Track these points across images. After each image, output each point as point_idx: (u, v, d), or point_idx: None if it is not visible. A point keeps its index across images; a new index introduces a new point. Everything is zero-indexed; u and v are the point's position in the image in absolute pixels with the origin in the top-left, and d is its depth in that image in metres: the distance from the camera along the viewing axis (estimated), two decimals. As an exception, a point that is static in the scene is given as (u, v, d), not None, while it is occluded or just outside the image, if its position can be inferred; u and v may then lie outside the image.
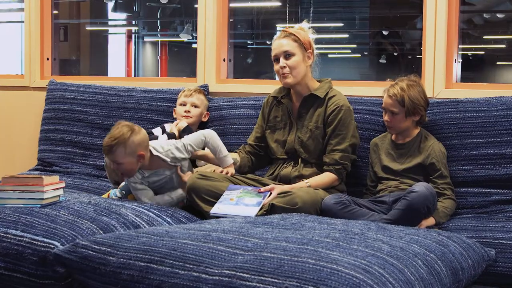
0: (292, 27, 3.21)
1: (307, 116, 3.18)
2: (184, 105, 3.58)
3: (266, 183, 3.10)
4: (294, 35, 3.14)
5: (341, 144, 3.10)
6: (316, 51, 3.21)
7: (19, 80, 4.48)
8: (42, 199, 2.73)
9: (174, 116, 3.63)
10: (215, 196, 2.96)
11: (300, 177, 3.12)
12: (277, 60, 3.16)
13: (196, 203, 3.00)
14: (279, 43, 3.16)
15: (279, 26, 12.23)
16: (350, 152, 3.12)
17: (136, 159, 3.01)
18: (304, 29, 3.21)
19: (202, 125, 3.63)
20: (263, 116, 3.32)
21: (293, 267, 1.93)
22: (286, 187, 2.98)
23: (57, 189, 2.84)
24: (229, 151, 3.44)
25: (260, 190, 2.97)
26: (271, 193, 2.94)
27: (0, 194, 2.76)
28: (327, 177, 3.09)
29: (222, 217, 2.81)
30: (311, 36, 3.21)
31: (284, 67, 3.12)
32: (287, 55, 3.13)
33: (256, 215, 2.81)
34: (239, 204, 2.89)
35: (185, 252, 2.11)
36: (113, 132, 3.00)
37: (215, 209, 2.90)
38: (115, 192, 3.21)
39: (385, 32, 12.08)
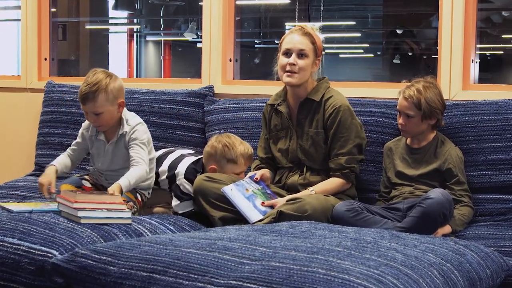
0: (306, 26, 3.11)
1: (306, 122, 3.09)
2: None
3: (275, 190, 3.06)
4: (313, 37, 3.05)
5: (345, 147, 3.02)
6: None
7: (15, 81, 4.43)
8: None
9: None
10: (224, 200, 2.91)
11: (308, 185, 3.05)
12: (287, 54, 3.04)
13: (203, 207, 2.95)
14: (295, 38, 3.04)
15: (288, 25, 12.23)
16: (355, 153, 3.04)
17: (116, 108, 2.88)
18: (317, 30, 3.11)
19: None
20: (265, 126, 3.24)
21: (303, 277, 1.90)
22: (290, 197, 2.92)
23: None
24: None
25: (265, 203, 2.94)
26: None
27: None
28: (334, 182, 3.03)
29: (228, 199, 2.86)
30: (320, 36, 3.11)
31: (294, 64, 3.01)
32: (302, 54, 3.03)
33: (254, 223, 2.80)
34: (250, 200, 2.89)
35: (190, 262, 2.08)
36: (90, 79, 2.84)
37: (228, 189, 2.90)
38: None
39: (399, 31, 12.03)
